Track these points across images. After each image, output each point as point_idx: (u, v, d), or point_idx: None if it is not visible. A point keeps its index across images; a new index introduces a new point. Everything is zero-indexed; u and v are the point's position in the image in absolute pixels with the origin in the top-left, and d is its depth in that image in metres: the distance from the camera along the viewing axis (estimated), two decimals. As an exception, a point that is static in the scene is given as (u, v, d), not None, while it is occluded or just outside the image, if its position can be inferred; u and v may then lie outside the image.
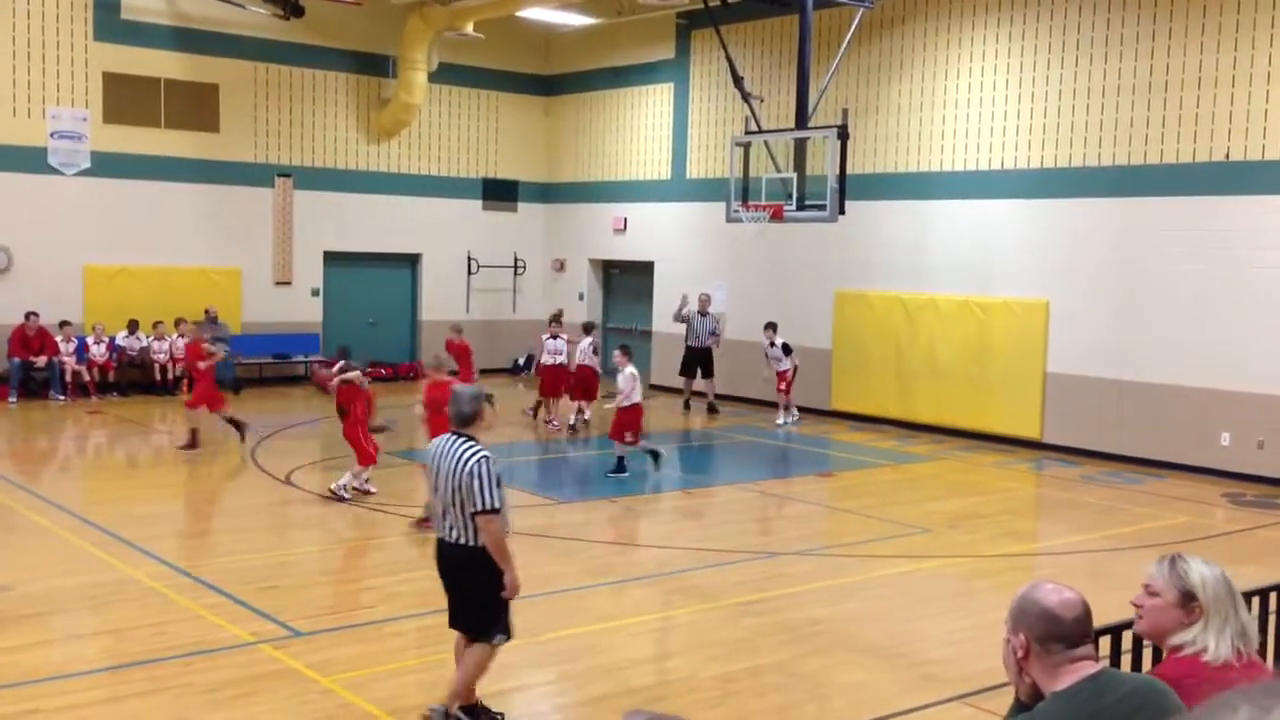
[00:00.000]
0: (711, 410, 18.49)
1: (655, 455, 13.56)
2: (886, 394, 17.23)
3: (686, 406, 18.78)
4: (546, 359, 16.61)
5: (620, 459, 13.21)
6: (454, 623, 6.21)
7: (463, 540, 5.98)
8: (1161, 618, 3.56)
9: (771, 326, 17.39)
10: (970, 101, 16.29)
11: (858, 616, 8.34)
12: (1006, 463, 14.75)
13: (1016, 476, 14.10)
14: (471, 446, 5.96)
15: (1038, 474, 14.26)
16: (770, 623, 8.02)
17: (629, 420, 13.19)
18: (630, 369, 13.36)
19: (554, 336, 16.64)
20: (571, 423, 16.40)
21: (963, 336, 16.25)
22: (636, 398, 13.33)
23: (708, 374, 18.68)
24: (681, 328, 19.19)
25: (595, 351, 16.45)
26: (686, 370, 18.86)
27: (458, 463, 5.91)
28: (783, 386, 17.43)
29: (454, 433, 6.10)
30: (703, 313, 18.61)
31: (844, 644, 7.70)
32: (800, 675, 7.07)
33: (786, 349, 17.24)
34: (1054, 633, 3.22)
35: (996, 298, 15.92)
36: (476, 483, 5.83)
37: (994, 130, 16.01)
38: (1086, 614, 3.29)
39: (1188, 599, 3.50)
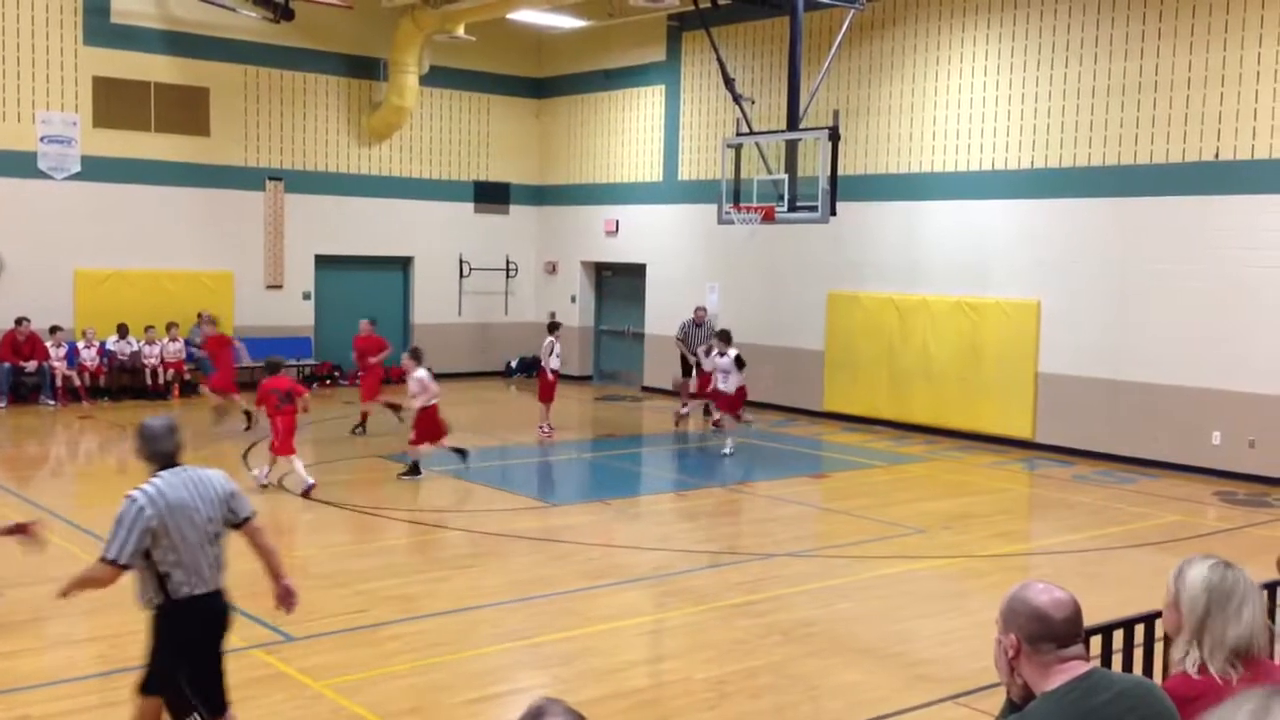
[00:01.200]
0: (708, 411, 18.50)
1: (462, 453, 13.28)
2: (879, 395, 17.25)
3: (684, 407, 18.72)
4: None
5: (414, 463, 12.90)
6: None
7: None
8: (1170, 621, 3.56)
9: (723, 336, 15.64)
10: (961, 102, 16.32)
11: (852, 617, 8.34)
12: (999, 463, 14.77)
13: (1009, 476, 14.12)
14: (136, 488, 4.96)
15: (1030, 474, 14.28)
16: (764, 624, 8.02)
17: (425, 423, 12.90)
18: (419, 372, 12.97)
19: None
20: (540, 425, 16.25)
21: (955, 337, 16.27)
22: (428, 399, 12.93)
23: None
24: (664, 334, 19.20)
25: (551, 352, 16.16)
26: (687, 373, 18.84)
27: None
28: (721, 404, 15.52)
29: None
30: (698, 324, 18.61)
31: (838, 645, 7.70)
32: (795, 677, 7.06)
33: (740, 363, 15.11)
34: (1044, 633, 3.22)
35: (988, 298, 15.95)
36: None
37: (985, 131, 16.04)
38: (1077, 614, 3.29)
39: (1176, 606, 3.49)
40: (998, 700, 3.40)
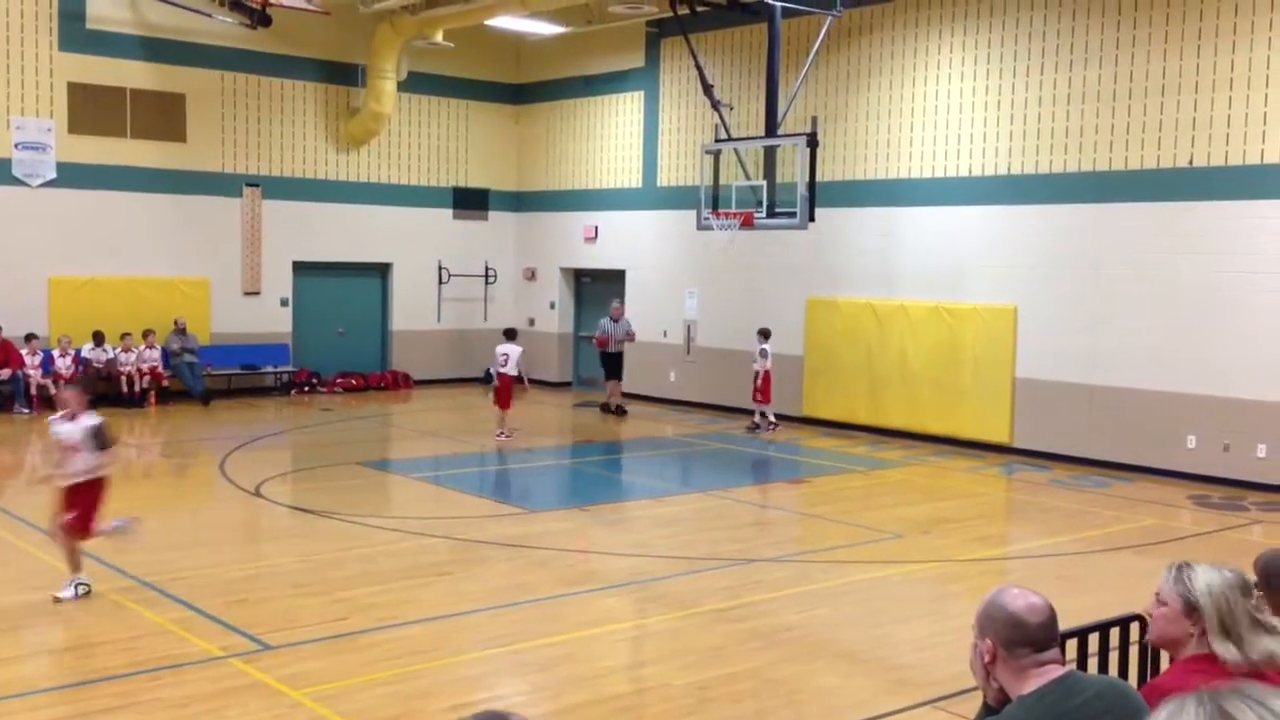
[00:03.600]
0: (619, 411, 18.79)
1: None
2: (858, 400, 17.31)
3: (605, 409, 18.92)
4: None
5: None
6: None
7: None
8: (1170, 628, 3.55)
9: (763, 333, 17.48)
10: (938, 109, 16.41)
11: (831, 622, 8.36)
12: (977, 467, 14.84)
13: (987, 481, 14.19)
14: None
15: (1008, 478, 14.35)
16: (744, 629, 8.02)
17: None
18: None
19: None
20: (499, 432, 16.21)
21: (933, 342, 16.35)
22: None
23: (616, 376, 19.06)
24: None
25: (509, 360, 16.12)
26: (611, 374, 19.17)
27: None
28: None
29: None
30: (615, 319, 19.05)
31: (818, 650, 7.72)
32: (774, 681, 7.07)
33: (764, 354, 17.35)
34: (1020, 637, 3.25)
35: (965, 304, 16.03)
36: None
37: (961, 137, 16.14)
38: (1052, 618, 3.32)
39: (1190, 609, 3.48)
40: (976, 704, 3.41)
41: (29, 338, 17.79)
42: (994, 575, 9.95)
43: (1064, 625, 5.09)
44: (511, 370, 16.08)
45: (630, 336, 19.31)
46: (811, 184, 14.50)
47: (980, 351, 15.82)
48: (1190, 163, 13.83)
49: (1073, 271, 14.93)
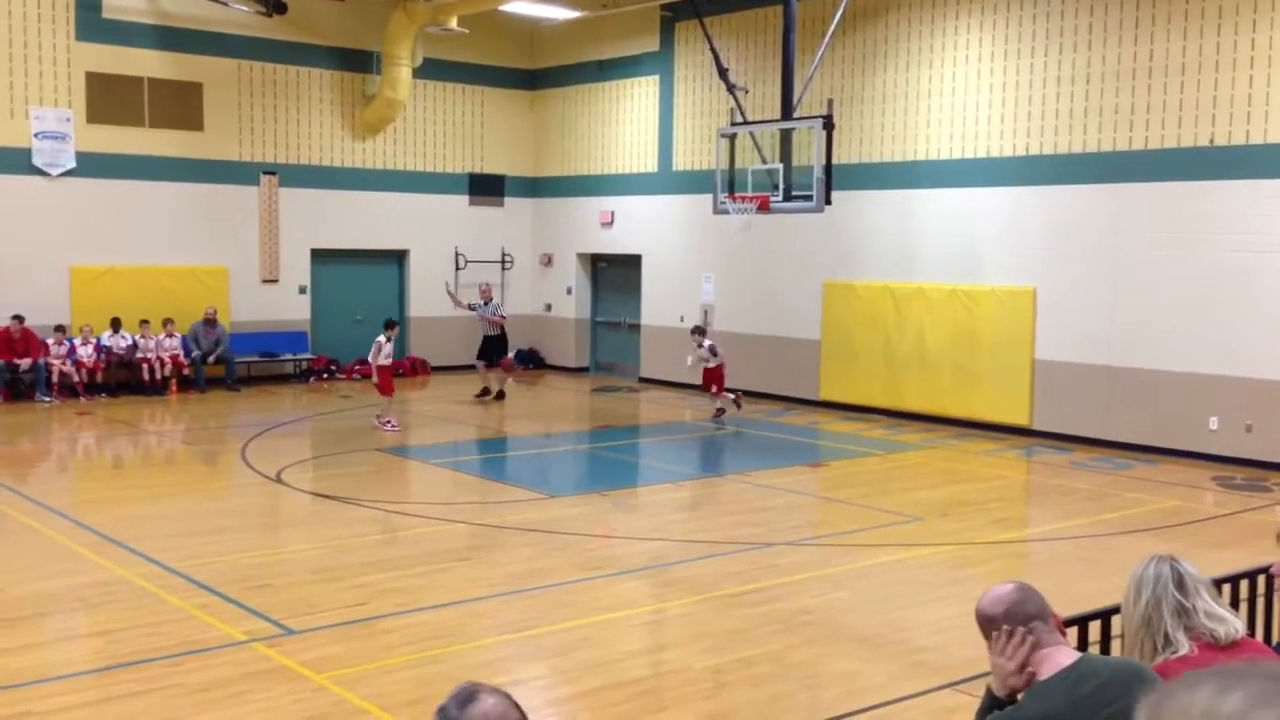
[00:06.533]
0: (500, 396, 18.50)
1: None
2: (875, 383, 17.27)
3: (484, 393, 18.56)
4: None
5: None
6: None
7: None
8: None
9: (700, 331, 17.30)
10: (955, 90, 16.32)
11: (849, 606, 8.36)
12: (996, 450, 14.79)
13: (1006, 464, 14.15)
14: None
15: (1027, 461, 14.30)
16: (761, 613, 8.04)
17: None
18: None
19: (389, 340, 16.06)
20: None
21: (951, 325, 16.29)
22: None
23: (498, 360, 18.66)
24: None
25: (380, 350, 15.91)
26: (483, 356, 18.81)
27: None
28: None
29: None
30: (486, 300, 18.91)
31: (835, 633, 7.73)
32: (792, 665, 7.09)
33: (714, 351, 16.99)
34: (994, 631, 3.37)
35: (984, 286, 15.96)
36: None
37: (979, 118, 16.04)
38: (1020, 601, 3.39)
39: None
40: (993, 686, 3.42)
41: (58, 329, 17.93)
42: (1013, 558, 9.95)
43: (1084, 608, 5.11)
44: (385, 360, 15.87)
45: (501, 319, 18.76)
46: (828, 167, 14.44)
47: (999, 334, 15.76)
48: (1210, 142, 13.71)
49: (1092, 252, 14.84)
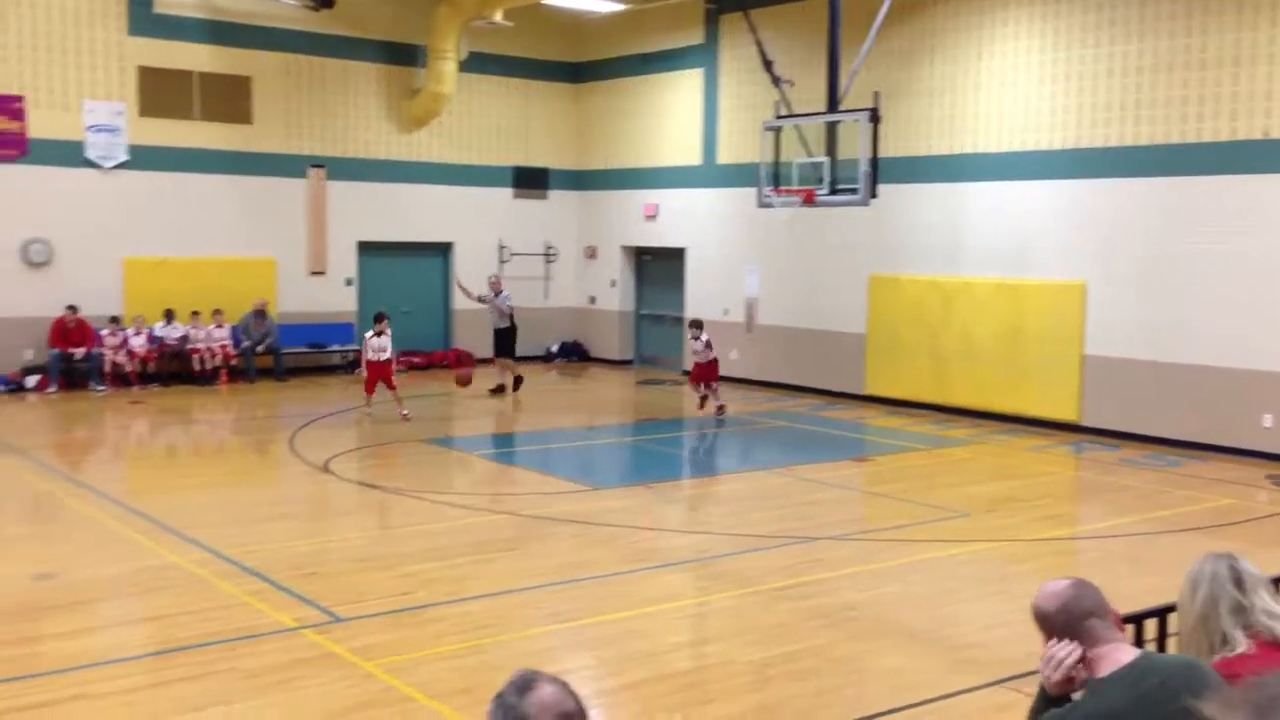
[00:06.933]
0: (517, 384, 18.42)
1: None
2: (921, 378, 17.15)
3: (500, 390, 18.43)
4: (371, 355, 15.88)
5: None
6: None
7: None
8: None
9: (697, 324, 17.00)
10: (1003, 82, 16.14)
11: (895, 601, 8.31)
12: (1045, 446, 14.64)
13: (1055, 460, 14.00)
14: None
15: (1077, 457, 14.14)
16: (807, 608, 8.02)
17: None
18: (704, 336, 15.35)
19: (379, 334, 15.88)
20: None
21: (998, 320, 16.13)
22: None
23: (510, 353, 18.57)
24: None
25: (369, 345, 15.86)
26: (499, 351, 18.70)
27: None
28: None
29: None
30: (496, 293, 18.74)
31: (882, 628, 7.69)
32: (838, 660, 7.07)
33: (709, 345, 16.72)
34: (1051, 627, 3.34)
35: (1032, 280, 15.79)
36: None
37: (1028, 111, 15.85)
38: (1076, 597, 3.35)
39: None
40: (1049, 683, 3.39)
41: (113, 319, 18.22)
42: (1062, 555, 9.85)
43: (1135, 607, 5.05)
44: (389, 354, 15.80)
45: (510, 310, 18.49)
46: (874, 160, 14.34)
47: (1047, 328, 15.58)
48: (1264, 135, 13.47)
49: (1143, 247, 14.63)
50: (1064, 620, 3.29)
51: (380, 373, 15.75)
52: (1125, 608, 4.96)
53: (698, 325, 17.03)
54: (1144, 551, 9.69)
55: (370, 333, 15.89)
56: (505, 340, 18.60)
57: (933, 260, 17.01)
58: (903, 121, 17.17)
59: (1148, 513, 11.16)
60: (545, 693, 2.15)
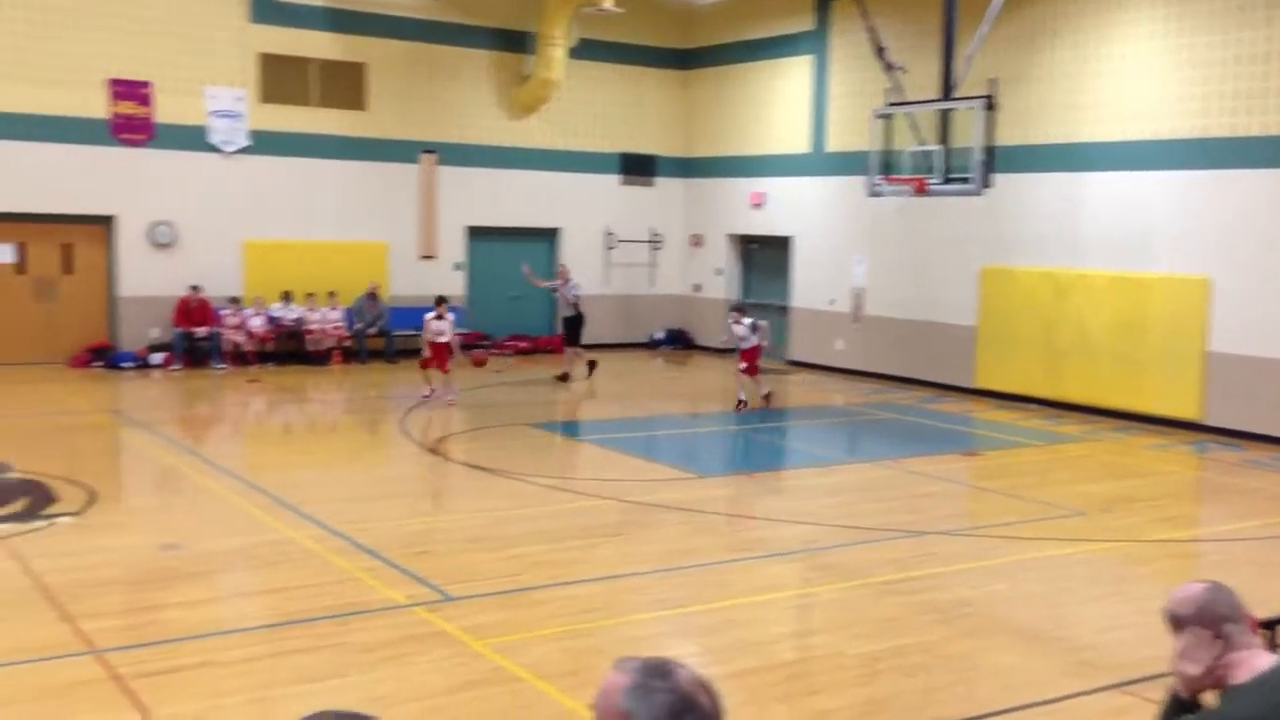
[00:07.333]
0: (591, 369, 18.43)
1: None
2: (1033, 372, 16.73)
3: (565, 378, 18.22)
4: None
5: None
6: None
7: None
8: None
9: (740, 309, 16.24)
10: (1125, 69, 15.62)
11: (1009, 599, 8.14)
12: (1164, 445, 14.17)
13: (1175, 459, 13.55)
14: None
15: (1199, 457, 13.66)
16: (917, 602, 7.90)
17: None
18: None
19: (438, 317, 15.88)
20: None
21: (1116, 313, 15.65)
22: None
23: (574, 341, 18.50)
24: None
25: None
26: (566, 340, 18.63)
27: None
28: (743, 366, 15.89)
29: None
30: (564, 281, 18.66)
31: (994, 626, 7.54)
32: (948, 657, 6.95)
33: (755, 328, 15.81)
34: (1182, 629, 3.23)
35: (1153, 274, 15.28)
36: None
37: (1150, 98, 15.32)
38: (1211, 601, 3.23)
39: None
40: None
41: (233, 300, 18.81)
42: (1183, 558, 9.53)
43: (1265, 613, 4.84)
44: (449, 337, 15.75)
45: (574, 300, 18.35)
46: (989, 149, 14.03)
47: (1167, 323, 15.06)
48: None
49: (1271, 240, 14.03)
50: (1198, 624, 3.18)
51: (436, 354, 15.77)
52: (1255, 613, 4.78)
53: (740, 310, 16.20)
54: (1272, 556, 9.32)
55: (431, 314, 15.98)
56: (571, 329, 18.65)
57: (1048, 252, 16.57)
58: (1019, 109, 16.74)
59: (1274, 516, 10.73)
60: (685, 673, 2.13)
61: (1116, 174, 15.75)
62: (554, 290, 19.02)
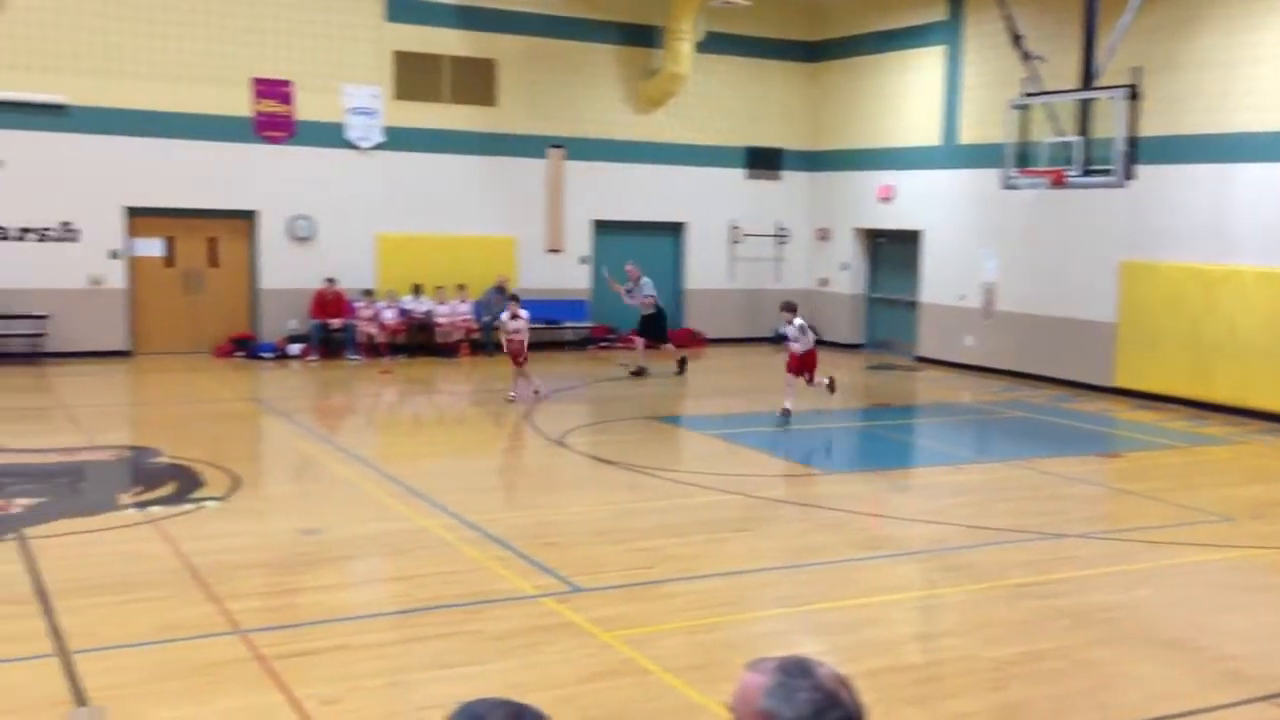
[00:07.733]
0: (682, 366, 18.24)
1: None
2: (1177, 371, 16.09)
3: (640, 372, 17.94)
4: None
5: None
6: None
7: None
8: None
9: (790, 308, 14.72)
10: (1278, 56, 14.86)
11: (1150, 605, 7.86)
12: (1317, 449, 13.50)
13: (1329, 465, 12.89)
14: None
15: (1355, 463, 12.97)
16: (1052, 607, 7.68)
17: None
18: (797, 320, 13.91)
19: (513, 316, 15.65)
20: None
21: (1268, 311, 14.94)
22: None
23: (659, 337, 18.40)
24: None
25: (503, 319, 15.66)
26: (650, 338, 18.44)
27: None
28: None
29: None
30: (636, 280, 18.50)
31: (1134, 633, 7.28)
32: (1085, 663, 6.74)
33: (803, 330, 14.41)
34: None
35: (1308, 269, 14.54)
36: None
37: (1310, 85, 14.56)
38: None
39: None
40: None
41: (367, 293, 19.35)
42: (1339, 568, 9.06)
43: None
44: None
45: (647, 299, 18.26)
46: (1132, 139, 13.53)
47: (1324, 322, 14.32)
48: None
49: None
50: None
51: (511, 350, 15.67)
52: None
53: (790, 309, 14.66)
54: None
55: (505, 314, 15.89)
56: (651, 326, 18.55)
57: (1194, 246, 15.91)
58: (1163, 98, 16.09)
59: None
60: (825, 670, 2.12)
61: (1271, 165, 15.03)
62: (628, 292, 18.85)
